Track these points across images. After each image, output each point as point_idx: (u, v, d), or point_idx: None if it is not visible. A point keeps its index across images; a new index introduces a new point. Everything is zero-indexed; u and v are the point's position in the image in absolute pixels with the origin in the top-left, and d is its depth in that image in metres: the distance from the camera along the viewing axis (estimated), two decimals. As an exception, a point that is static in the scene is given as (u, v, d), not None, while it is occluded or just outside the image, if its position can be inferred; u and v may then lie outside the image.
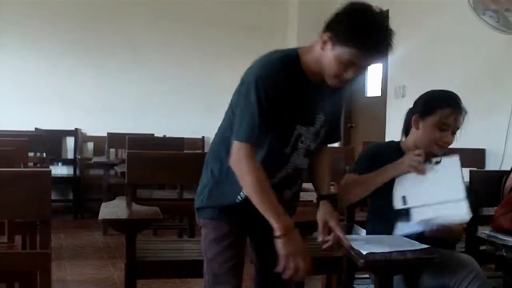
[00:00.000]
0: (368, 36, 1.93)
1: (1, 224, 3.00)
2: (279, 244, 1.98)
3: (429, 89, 2.57)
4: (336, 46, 1.94)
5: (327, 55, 1.97)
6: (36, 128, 6.47)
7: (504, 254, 2.14)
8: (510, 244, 2.13)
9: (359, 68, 1.98)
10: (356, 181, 2.41)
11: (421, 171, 2.28)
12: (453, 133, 2.43)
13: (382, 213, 2.47)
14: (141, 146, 4.89)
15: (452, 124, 2.41)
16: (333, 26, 1.96)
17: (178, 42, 7.15)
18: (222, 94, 7.35)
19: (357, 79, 2.03)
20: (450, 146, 2.51)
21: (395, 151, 2.50)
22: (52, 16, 6.69)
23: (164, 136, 6.52)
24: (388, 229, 2.36)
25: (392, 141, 2.61)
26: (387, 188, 2.41)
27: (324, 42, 1.97)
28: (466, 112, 2.46)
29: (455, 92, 2.56)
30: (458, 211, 2.17)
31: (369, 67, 2.06)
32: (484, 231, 2.27)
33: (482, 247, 2.37)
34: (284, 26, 7.51)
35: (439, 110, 2.41)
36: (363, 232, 2.55)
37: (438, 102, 2.45)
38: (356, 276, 2.58)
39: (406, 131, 2.57)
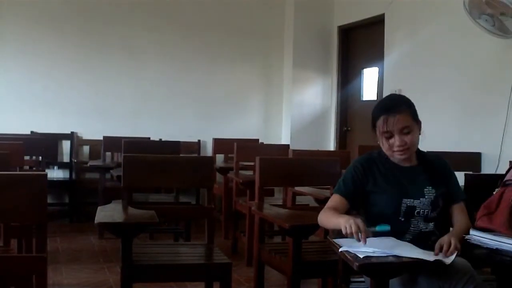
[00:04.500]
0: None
1: (-3, 228, 3.00)
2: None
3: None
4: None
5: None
6: (32, 132, 6.46)
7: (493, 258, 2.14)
8: (494, 247, 2.14)
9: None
10: (325, 216, 2.46)
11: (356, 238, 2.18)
12: (405, 133, 2.45)
13: (376, 219, 2.49)
14: (137, 149, 4.88)
15: (392, 128, 2.44)
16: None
17: (174, 46, 7.16)
18: (218, 97, 7.49)
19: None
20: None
21: (386, 160, 2.56)
22: (48, 20, 6.68)
23: (160, 139, 6.53)
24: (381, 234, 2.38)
25: (380, 151, 2.60)
26: (380, 195, 2.47)
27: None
28: (407, 105, 2.50)
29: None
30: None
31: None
32: (467, 235, 2.26)
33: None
34: (280, 31, 7.52)
35: (376, 122, 2.50)
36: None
37: (374, 115, 2.53)
38: (352, 279, 2.59)
39: None
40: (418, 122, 2.51)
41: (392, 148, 2.46)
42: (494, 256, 2.12)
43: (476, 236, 2.22)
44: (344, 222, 2.21)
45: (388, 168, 2.52)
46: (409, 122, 2.45)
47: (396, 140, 2.44)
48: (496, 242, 2.14)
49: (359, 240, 2.15)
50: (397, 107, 2.47)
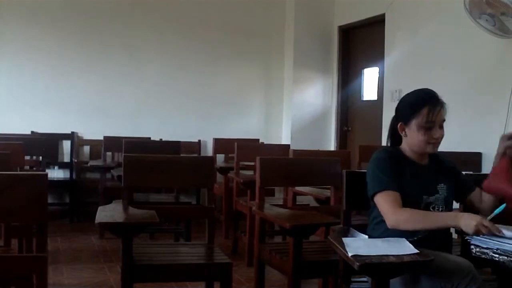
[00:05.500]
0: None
1: (-2, 228, 3.00)
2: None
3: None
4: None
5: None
6: (32, 132, 6.46)
7: (494, 258, 2.14)
8: (495, 247, 2.13)
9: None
10: (417, 217, 2.37)
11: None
12: (440, 127, 2.49)
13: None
14: (138, 149, 4.88)
15: (435, 119, 2.46)
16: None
17: (175, 46, 7.16)
18: (219, 97, 7.50)
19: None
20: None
21: (403, 158, 2.56)
22: (49, 20, 6.68)
23: (161, 139, 6.52)
24: (391, 234, 2.38)
25: (393, 148, 2.62)
26: (402, 191, 2.46)
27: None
28: (444, 103, 2.52)
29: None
30: None
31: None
32: (468, 235, 2.25)
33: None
34: (281, 31, 7.53)
35: (417, 112, 2.47)
36: (360, 235, 2.55)
37: (414, 105, 2.50)
38: (353, 279, 2.59)
39: (392, 138, 2.64)
40: None
41: (429, 140, 2.47)
42: (494, 256, 2.12)
43: (476, 236, 2.22)
44: (468, 226, 2.20)
45: (407, 165, 2.53)
46: (445, 118, 2.51)
47: (436, 132, 2.47)
48: (497, 242, 2.14)
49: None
50: (439, 101, 2.51)
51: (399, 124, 2.55)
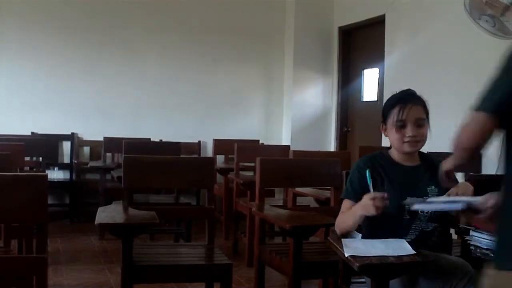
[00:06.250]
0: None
1: (-2, 229, 3.00)
2: None
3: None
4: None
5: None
6: (32, 133, 6.46)
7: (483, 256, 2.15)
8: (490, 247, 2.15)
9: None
10: (342, 220, 2.48)
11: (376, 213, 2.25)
12: (419, 126, 2.48)
13: (381, 218, 2.49)
14: (138, 150, 4.88)
15: (406, 118, 2.46)
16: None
17: (175, 47, 7.16)
18: (219, 98, 7.49)
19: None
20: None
21: (389, 160, 2.57)
22: (49, 20, 6.68)
23: (161, 140, 6.52)
24: (382, 235, 2.38)
25: (382, 151, 2.63)
26: None
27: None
28: (423, 101, 2.55)
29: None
30: None
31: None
32: (468, 236, 2.26)
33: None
34: (281, 31, 7.53)
35: (389, 112, 2.52)
36: (358, 236, 2.56)
37: (388, 105, 2.55)
38: (352, 280, 2.59)
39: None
40: (428, 121, 2.53)
41: (403, 138, 2.47)
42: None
43: (476, 236, 2.22)
44: (362, 210, 2.28)
45: (391, 168, 2.53)
46: (423, 116, 2.50)
47: (409, 130, 2.46)
48: None
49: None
50: (413, 99, 2.53)
51: (381, 125, 2.59)
